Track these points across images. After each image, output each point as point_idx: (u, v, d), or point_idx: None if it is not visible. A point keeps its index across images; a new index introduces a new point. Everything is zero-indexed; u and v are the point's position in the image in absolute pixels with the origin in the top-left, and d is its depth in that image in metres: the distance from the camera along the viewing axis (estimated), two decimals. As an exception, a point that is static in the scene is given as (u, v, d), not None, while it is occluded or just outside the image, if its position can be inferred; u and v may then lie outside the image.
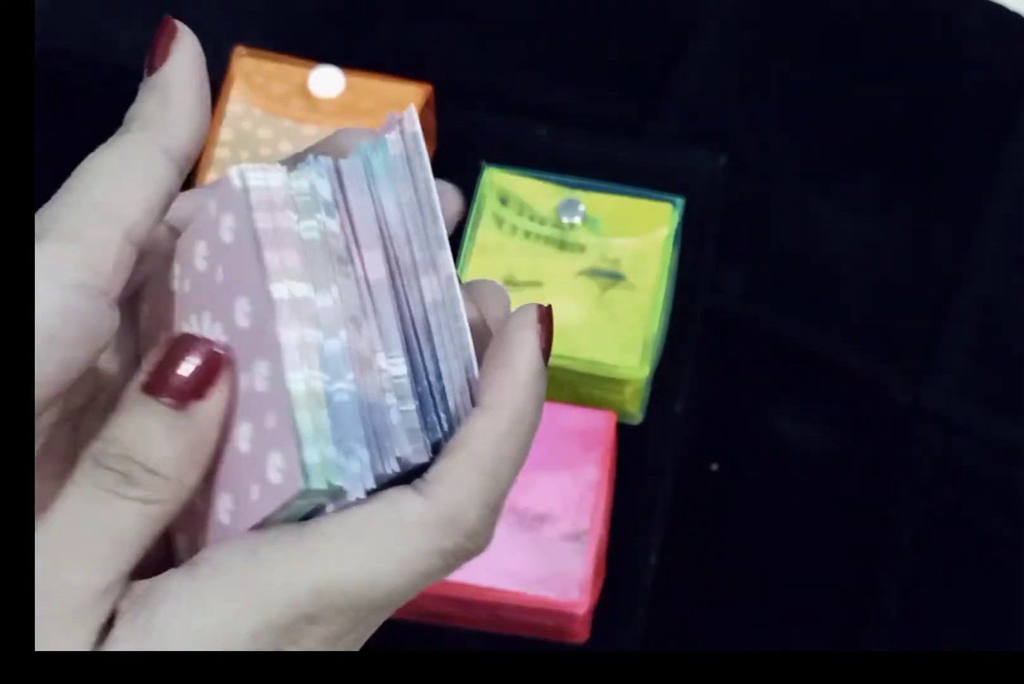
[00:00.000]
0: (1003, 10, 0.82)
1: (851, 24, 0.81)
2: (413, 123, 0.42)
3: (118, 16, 0.81)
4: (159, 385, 0.41)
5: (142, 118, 0.44)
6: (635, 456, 0.71)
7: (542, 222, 0.71)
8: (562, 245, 0.70)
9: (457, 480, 0.40)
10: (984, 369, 0.75)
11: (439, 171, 0.77)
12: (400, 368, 0.41)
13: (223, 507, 0.42)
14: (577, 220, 0.70)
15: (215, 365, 0.41)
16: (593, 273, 0.70)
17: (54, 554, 0.40)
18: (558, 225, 0.70)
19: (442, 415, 0.41)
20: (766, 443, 0.73)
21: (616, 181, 0.72)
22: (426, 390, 0.41)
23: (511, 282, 0.70)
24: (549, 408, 0.68)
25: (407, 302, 0.42)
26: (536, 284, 0.70)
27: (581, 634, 0.68)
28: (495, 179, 0.71)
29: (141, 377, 0.41)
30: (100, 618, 0.40)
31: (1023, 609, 0.71)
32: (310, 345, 0.40)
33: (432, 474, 0.40)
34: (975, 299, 0.76)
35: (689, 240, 0.74)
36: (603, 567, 0.68)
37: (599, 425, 0.67)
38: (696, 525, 0.72)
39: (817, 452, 0.73)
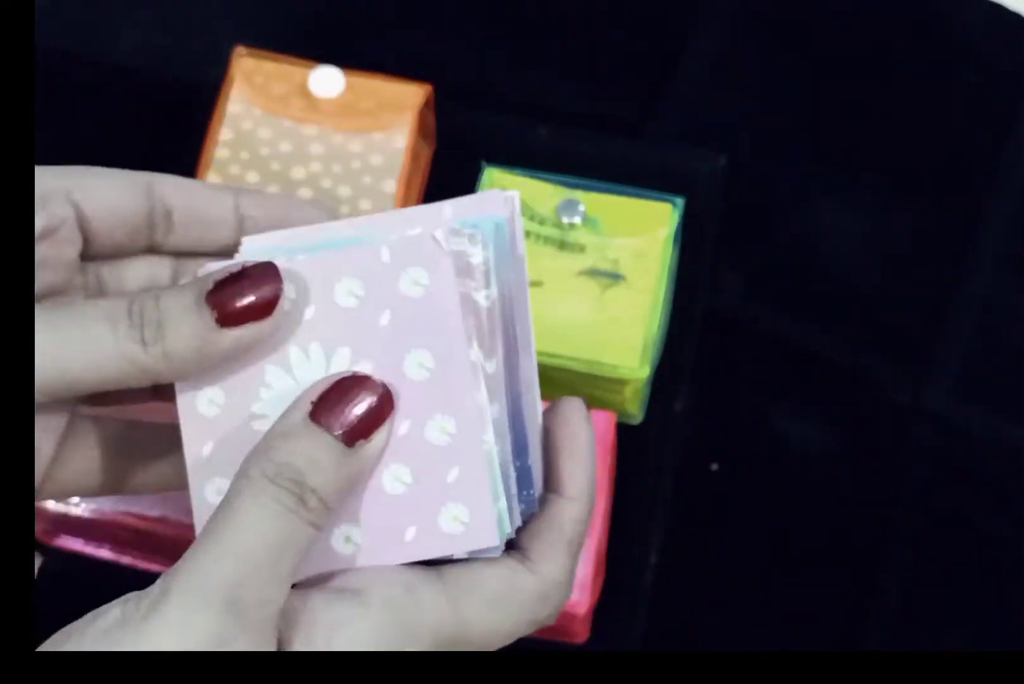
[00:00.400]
0: (1003, 10, 0.82)
1: (851, 24, 0.82)
2: (516, 204, 0.44)
3: (118, 16, 0.81)
4: (329, 418, 0.42)
5: None
6: (635, 456, 0.71)
7: (542, 222, 0.71)
8: (562, 245, 0.70)
9: (557, 562, 0.45)
10: (984, 369, 0.75)
11: (439, 171, 0.77)
12: (509, 442, 0.44)
13: (345, 537, 0.44)
14: (577, 220, 0.70)
15: (386, 409, 0.43)
16: (593, 273, 0.69)
17: (247, 568, 0.41)
18: (558, 225, 0.70)
19: (529, 491, 0.45)
20: (766, 443, 0.73)
21: (616, 181, 0.72)
22: (524, 465, 0.45)
23: None
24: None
25: (512, 378, 0.44)
26: (536, 284, 0.70)
27: (581, 634, 0.68)
28: (495, 179, 0.71)
29: (306, 405, 0.42)
30: (277, 634, 0.42)
31: (1023, 609, 0.71)
32: (486, 409, 0.43)
33: (536, 554, 0.45)
34: (975, 299, 0.76)
35: (689, 240, 0.74)
36: (603, 567, 0.68)
37: (599, 425, 0.67)
38: (696, 525, 0.72)
39: (817, 452, 0.73)
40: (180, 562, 0.41)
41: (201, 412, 0.44)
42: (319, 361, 0.43)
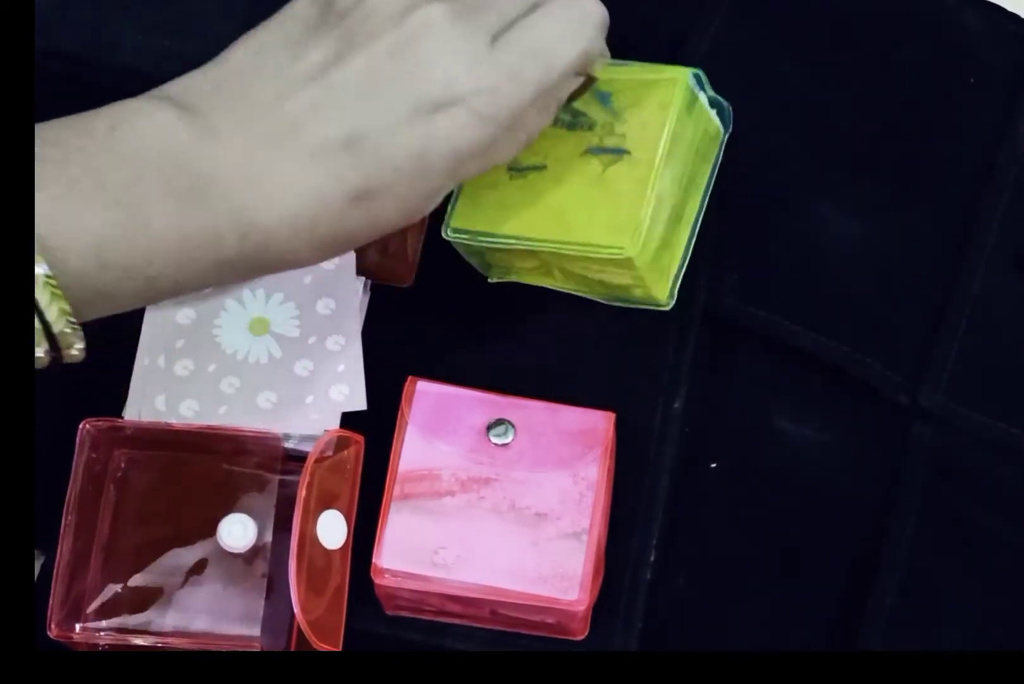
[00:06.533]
0: (1003, 11, 0.82)
1: (851, 24, 0.82)
2: None
3: (120, 17, 0.81)
4: None
5: None
6: (634, 455, 0.71)
7: None
8: (572, 124, 0.67)
9: None
10: (983, 369, 0.75)
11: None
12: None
13: (265, 398, 0.69)
14: (588, 96, 0.66)
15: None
16: (597, 151, 0.66)
17: None
18: (569, 106, 0.66)
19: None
20: (765, 442, 0.73)
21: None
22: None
23: (515, 167, 0.67)
24: (549, 408, 0.68)
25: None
26: (539, 167, 0.67)
27: (580, 631, 0.69)
28: None
29: None
30: None
31: (1023, 609, 0.71)
32: (358, 332, 0.71)
33: None
34: (973, 299, 0.76)
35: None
36: (602, 565, 0.68)
37: (599, 425, 0.67)
38: (695, 524, 0.72)
39: (816, 452, 0.73)
40: None
41: (178, 321, 0.69)
42: (261, 298, 0.70)
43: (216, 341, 0.70)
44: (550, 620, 0.67)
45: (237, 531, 0.65)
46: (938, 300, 0.76)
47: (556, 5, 0.59)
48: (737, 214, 0.77)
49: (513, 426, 0.67)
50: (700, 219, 0.71)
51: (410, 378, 0.68)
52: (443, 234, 0.68)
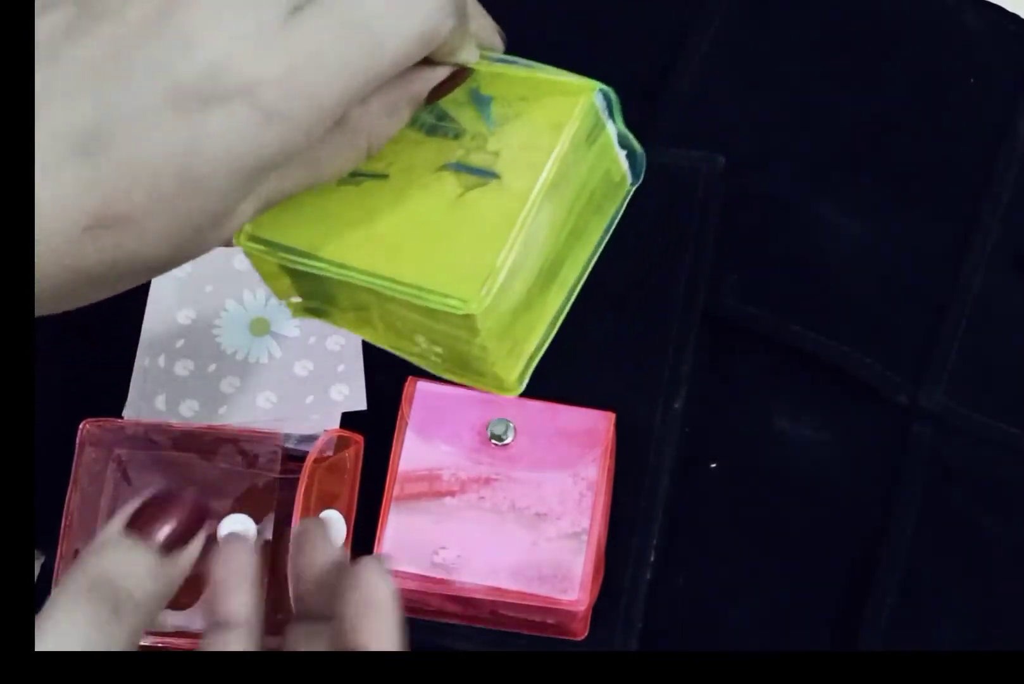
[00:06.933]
0: (1003, 11, 0.82)
1: (851, 24, 0.82)
2: None
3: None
4: (144, 533, 0.45)
5: None
6: (634, 455, 0.71)
7: None
8: (433, 128, 0.49)
9: None
10: (983, 369, 0.75)
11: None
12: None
13: (265, 398, 0.70)
14: (462, 98, 0.50)
15: (197, 521, 0.46)
16: (459, 168, 0.49)
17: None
18: (434, 106, 0.50)
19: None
20: (765, 442, 0.73)
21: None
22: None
23: (353, 173, 0.49)
24: (549, 408, 0.68)
25: None
26: (379, 176, 0.49)
27: (580, 632, 0.69)
28: None
29: (122, 520, 0.45)
30: None
31: (1022, 609, 0.71)
32: None
33: None
34: (973, 299, 0.76)
35: (688, 241, 0.74)
36: (602, 565, 0.68)
37: (599, 425, 0.67)
38: (695, 524, 0.72)
39: (816, 452, 0.73)
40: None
41: (178, 321, 0.71)
42: (261, 299, 0.71)
43: (216, 341, 0.70)
44: (550, 620, 0.67)
45: (237, 531, 0.65)
46: (938, 300, 0.76)
47: None
48: (737, 214, 0.77)
49: (513, 426, 0.67)
50: (579, 287, 0.53)
51: (410, 378, 0.68)
52: (235, 240, 0.47)
